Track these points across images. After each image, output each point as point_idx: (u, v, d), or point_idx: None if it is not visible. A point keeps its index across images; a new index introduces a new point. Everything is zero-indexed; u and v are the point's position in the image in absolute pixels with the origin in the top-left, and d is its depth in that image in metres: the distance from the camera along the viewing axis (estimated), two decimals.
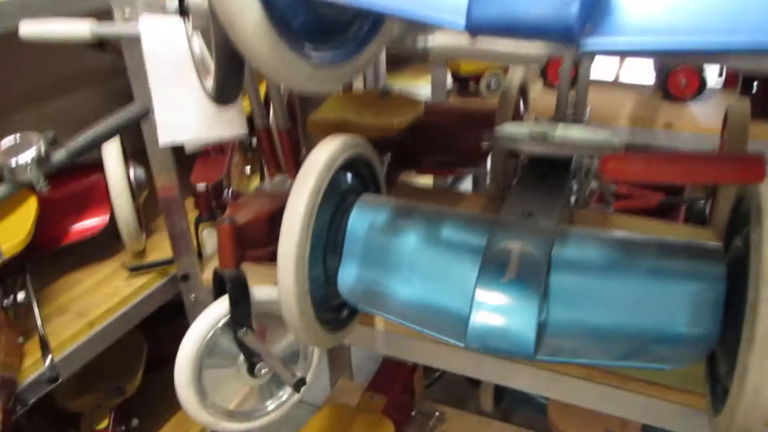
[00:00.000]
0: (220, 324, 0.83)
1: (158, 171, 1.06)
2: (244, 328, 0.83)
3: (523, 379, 0.88)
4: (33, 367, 1.10)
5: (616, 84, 1.91)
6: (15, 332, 1.10)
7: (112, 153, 1.26)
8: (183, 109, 0.82)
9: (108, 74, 1.71)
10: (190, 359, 0.82)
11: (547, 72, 1.87)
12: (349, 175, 0.86)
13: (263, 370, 0.86)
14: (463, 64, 1.88)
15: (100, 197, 1.31)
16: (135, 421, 1.46)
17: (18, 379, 1.06)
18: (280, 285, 0.73)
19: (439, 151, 1.32)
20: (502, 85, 1.27)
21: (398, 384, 1.45)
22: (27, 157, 0.75)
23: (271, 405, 0.92)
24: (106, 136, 0.83)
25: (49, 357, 1.08)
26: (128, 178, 1.31)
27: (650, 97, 1.73)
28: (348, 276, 0.79)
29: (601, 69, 2.13)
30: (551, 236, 0.72)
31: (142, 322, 1.43)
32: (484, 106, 1.58)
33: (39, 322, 1.13)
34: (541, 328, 0.68)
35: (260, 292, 0.85)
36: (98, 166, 1.28)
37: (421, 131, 1.30)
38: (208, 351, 0.83)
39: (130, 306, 1.27)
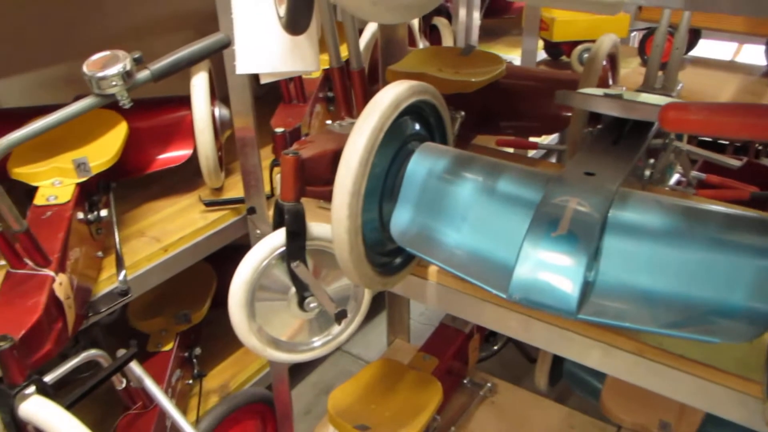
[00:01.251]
0: (276, 254, 0.86)
1: (237, 111, 1.09)
2: (298, 261, 0.85)
3: (570, 347, 0.86)
4: (108, 281, 1.18)
5: (729, 63, 1.80)
6: (95, 247, 1.18)
7: (199, 90, 1.32)
8: (261, 42, 0.85)
9: (202, 18, 1.77)
10: (244, 282, 0.85)
11: (645, 49, 1.79)
12: (416, 125, 0.86)
13: (312, 304, 0.88)
14: (557, 31, 1.82)
15: (186, 131, 1.38)
16: (198, 350, 1.53)
17: (94, 289, 1.14)
18: (333, 217, 0.75)
19: (519, 115, 1.29)
20: None
21: (452, 349, 1.45)
22: (113, 70, 0.79)
23: (317, 342, 0.94)
24: (189, 62, 0.87)
25: (123, 272, 1.16)
26: (213, 115, 1.36)
27: (757, 79, 1.63)
28: (401, 219, 0.80)
29: (715, 48, 2.02)
30: (610, 196, 0.70)
31: (214, 258, 1.50)
32: (571, 75, 1.53)
33: (117, 240, 1.21)
34: (588, 287, 0.66)
35: (317, 228, 0.87)
36: (187, 102, 1.34)
37: (502, 93, 1.28)
38: (262, 278, 0.86)
39: (202, 237, 1.34)
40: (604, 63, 1.33)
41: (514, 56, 2.14)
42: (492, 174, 0.77)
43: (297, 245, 0.85)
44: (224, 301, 0.86)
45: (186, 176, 1.48)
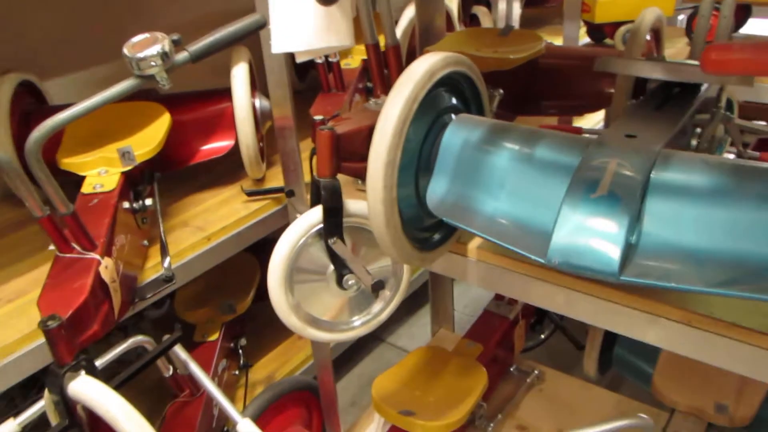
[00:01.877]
0: (313, 231, 0.86)
1: (275, 96, 1.10)
2: (335, 238, 0.85)
3: (615, 320, 0.83)
4: (153, 269, 1.20)
5: None
6: (140, 235, 1.21)
7: (239, 81, 1.34)
8: (295, 19, 0.85)
9: (236, 17, 1.80)
10: (282, 260, 0.85)
11: (692, 27, 1.73)
12: (452, 98, 0.85)
13: (350, 281, 0.87)
14: (599, 12, 1.78)
15: (228, 123, 1.40)
16: (243, 341, 1.55)
17: (140, 276, 1.16)
18: (368, 188, 0.74)
19: (560, 94, 1.27)
20: None
21: (496, 335, 1.42)
22: (152, 51, 0.80)
23: (357, 321, 0.94)
24: (227, 42, 0.87)
25: (167, 259, 1.18)
26: (253, 106, 1.38)
27: None
28: (437, 189, 0.79)
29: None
30: (652, 157, 0.67)
31: (258, 250, 1.52)
32: (614, 51, 1.49)
33: (162, 229, 1.23)
34: (630, 249, 0.64)
35: (354, 204, 0.87)
36: (228, 94, 1.36)
37: (543, 73, 1.26)
38: (301, 256, 0.86)
39: (244, 227, 1.35)
40: (648, 38, 1.30)
41: (556, 43, 2.10)
42: (529, 141, 0.75)
43: (334, 221, 0.85)
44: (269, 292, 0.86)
45: (229, 168, 1.50)
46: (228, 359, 1.48)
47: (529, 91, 1.27)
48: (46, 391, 0.90)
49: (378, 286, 0.79)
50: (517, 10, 1.90)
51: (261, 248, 1.42)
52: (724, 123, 0.97)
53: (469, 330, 1.47)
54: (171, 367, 1.20)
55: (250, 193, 1.38)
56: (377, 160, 0.73)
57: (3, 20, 1.44)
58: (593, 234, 0.64)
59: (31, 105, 1.39)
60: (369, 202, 0.75)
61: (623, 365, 1.48)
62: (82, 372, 0.88)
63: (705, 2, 1.06)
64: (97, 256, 0.96)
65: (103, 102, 0.82)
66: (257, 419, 1.21)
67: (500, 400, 1.45)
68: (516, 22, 1.90)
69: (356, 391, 1.85)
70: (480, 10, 2.03)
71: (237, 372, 1.53)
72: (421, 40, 1.26)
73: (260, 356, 1.65)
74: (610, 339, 1.51)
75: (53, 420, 0.92)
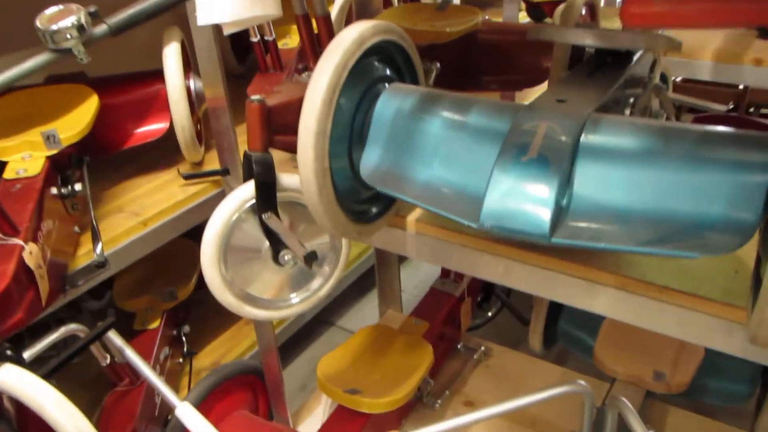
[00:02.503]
0: (247, 206, 0.84)
1: (206, 72, 1.08)
2: (269, 212, 0.83)
3: (552, 287, 0.83)
4: (86, 256, 1.15)
5: None
6: (71, 222, 1.16)
7: (171, 60, 1.30)
8: None
9: None
10: (215, 236, 0.83)
11: None
12: (386, 69, 0.84)
13: (286, 257, 0.86)
14: None
15: (162, 105, 1.36)
16: (186, 328, 1.52)
17: (71, 264, 1.12)
18: (299, 160, 0.73)
19: (500, 69, 1.27)
20: None
21: (442, 312, 1.43)
22: (66, 22, 0.77)
23: (296, 298, 0.92)
24: (149, 14, 0.84)
25: (99, 245, 1.13)
26: (188, 88, 1.34)
27: (744, 33, 1.59)
28: (371, 158, 0.77)
29: None
30: (582, 120, 0.67)
31: (200, 235, 1.48)
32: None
33: (92, 214, 1.18)
34: (562, 211, 0.64)
35: (288, 178, 0.85)
36: (161, 75, 1.32)
37: (482, 47, 1.26)
38: (234, 233, 0.84)
39: (182, 211, 1.32)
40: (583, 12, 1.31)
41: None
42: (461, 108, 0.75)
43: (267, 195, 0.83)
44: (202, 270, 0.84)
45: (165, 152, 1.46)
46: (171, 347, 1.45)
47: (469, 66, 1.26)
48: None
49: (311, 257, 0.78)
50: None
51: (202, 233, 1.39)
52: (658, 95, 0.99)
53: (415, 308, 1.47)
54: (108, 356, 1.16)
55: (187, 177, 1.35)
56: (307, 131, 0.71)
57: None
58: (524, 197, 0.64)
59: None
60: (300, 173, 0.73)
61: (567, 339, 1.50)
62: (7, 362, 0.85)
63: None
64: (20, 242, 0.91)
65: (14, 78, 0.77)
66: (200, 404, 1.19)
67: (448, 377, 1.46)
68: (456, 2, 1.91)
69: (306, 375, 1.83)
70: None
71: (181, 360, 1.50)
72: (358, 15, 1.25)
73: (205, 343, 1.62)
74: (555, 314, 1.53)
75: None
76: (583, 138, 0.67)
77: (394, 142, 0.76)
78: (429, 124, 0.75)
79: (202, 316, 1.66)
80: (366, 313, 2.00)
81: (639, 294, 0.78)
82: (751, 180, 0.59)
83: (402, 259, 1.97)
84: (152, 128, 1.36)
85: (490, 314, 1.78)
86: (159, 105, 1.36)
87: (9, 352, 0.84)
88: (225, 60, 1.74)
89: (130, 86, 1.37)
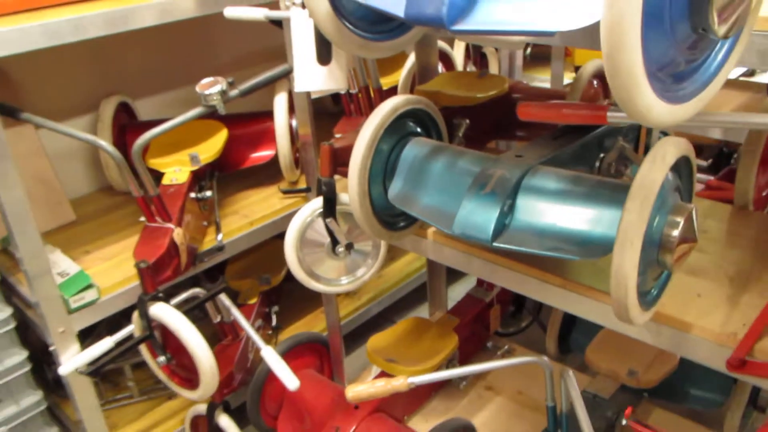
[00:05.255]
0: (316, 213, 1.27)
1: (301, 119, 1.52)
2: (330, 218, 1.25)
3: (515, 282, 1.19)
4: (210, 243, 1.63)
5: (735, 81, 1.98)
6: (202, 218, 1.64)
7: (280, 105, 1.76)
8: (310, 69, 1.26)
9: (274, 54, 2.25)
10: (294, 232, 1.26)
11: None
12: (417, 127, 1.24)
13: (339, 250, 1.27)
14: (578, 56, 2.14)
15: (270, 138, 1.83)
16: (276, 308, 1.97)
17: (200, 247, 1.59)
18: (349, 184, 1.14)
19: (515, 123, 1.63)
20: None
21: (472, 312, 1.79)
22: (214, 89, 1.23)
23: (345, 280, 1.33)
24: (264, 84, 1.30)
25: (220, 235, 1.60)
26: (290, 125, 1.80)
27: (759, 96, 1.80)
28: (395, 187, 1.18)
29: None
30: (526, 169, 1.05)
31: None
32: (564, 91, 1.85)
33: (217, 213, 1.66)
34: (504, 227, 1.02)
35: (345, 196, 1.27)
36: (272, 115, 1.79)
37: (510, 106, 1.63)
38: (308, 231, 1.27)
39: (279, 217, 1.78)
40: (596, 84, 1.66)
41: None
42: (456, 156, 1.14)
43: (330, 207, 1.25)
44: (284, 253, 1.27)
45: (271, 173, 1.93)
46: (263, 320, 1.90)
47: (501, 120, 1.64)
48: (135, 314, 1.33)
49: (349, 246, 1.19)
50: (519, 57, 2.27)
51: None
52: (623, 152, 1.33)
53: (452, 308, 1.84)
54: (219, 316, 1.62)
55: (284, 192, 1.81)
56: (354, 165, 1.13)
57: (108, 56, 1.92)
58: (479, 215, 1.02)
59: (126, 120, 1.86)
60: (349, 192, 1.15)
61: (578, 346, 1.82)
62: (160, 302, 1.31)
63: None
64: (172, 226, 1.39)
65: (180, 122, 1.24)
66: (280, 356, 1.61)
67: None
68: (519, 59, 2.27)
69: (366, 360, 2.23)
70: (489, 51, 2.41)
71: (270, 332, 1.95)
72: (420, 76, 1.66)
73: (289, 323, 2.06)
74: (570, 326, 1.86)
75: (138, 334, 1.35)
76: (524, 181, 1.04)
77: (411, 176, 1.16)
78: (433, 165, 1.14)
79: (289, 301, 2.11)
80: (419, 314, 2.38)
81: (574, 291, 1.13)
82: (608, 213, 0.94)
83: (453, 278, 2.36)
84: (263, 154, 1.84)
85: (523, 325, 2.11)
86: (269, 137, 1.83)
87: (161, 295, 1.30)
88: (323, 101, 2.22)
89: (249, 123, 1.86)
